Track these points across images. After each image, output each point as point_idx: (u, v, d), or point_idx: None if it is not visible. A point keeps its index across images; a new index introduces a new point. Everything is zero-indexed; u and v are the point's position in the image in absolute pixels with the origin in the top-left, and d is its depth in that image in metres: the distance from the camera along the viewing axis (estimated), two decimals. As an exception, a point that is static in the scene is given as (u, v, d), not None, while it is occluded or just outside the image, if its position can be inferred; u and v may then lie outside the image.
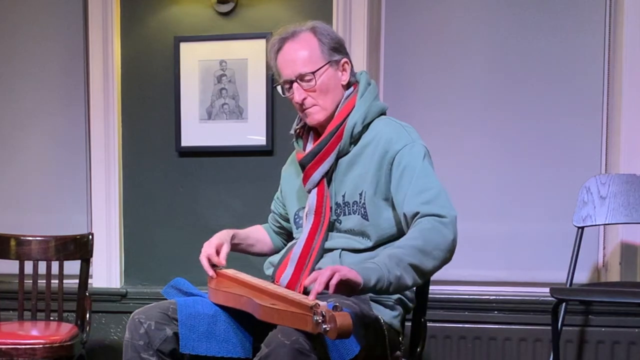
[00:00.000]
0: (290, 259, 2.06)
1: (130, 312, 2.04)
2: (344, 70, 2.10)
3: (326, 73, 2.06)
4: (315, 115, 2.09)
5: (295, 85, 2.07)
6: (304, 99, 2.07)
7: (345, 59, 2.10)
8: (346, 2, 3.03)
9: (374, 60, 3.13)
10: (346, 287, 1.71)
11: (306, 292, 1.86)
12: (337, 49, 2.09)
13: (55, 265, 3.06)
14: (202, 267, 2.12)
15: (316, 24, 2.10)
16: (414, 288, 2.18)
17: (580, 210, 2.78)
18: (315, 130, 2.16)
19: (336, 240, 2.07)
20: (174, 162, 3.26)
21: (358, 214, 2.05)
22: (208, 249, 2.13)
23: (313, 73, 2.04)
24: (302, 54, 2.05)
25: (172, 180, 3.26)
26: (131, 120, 3.29)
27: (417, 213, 1.91)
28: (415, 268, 1.82)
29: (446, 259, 1.89)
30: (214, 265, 2.13)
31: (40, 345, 2.72)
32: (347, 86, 2.12)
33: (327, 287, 1.68)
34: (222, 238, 2.17)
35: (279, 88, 2.14)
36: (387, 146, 2.01)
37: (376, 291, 1.77)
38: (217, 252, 2.14)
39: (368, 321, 1.95)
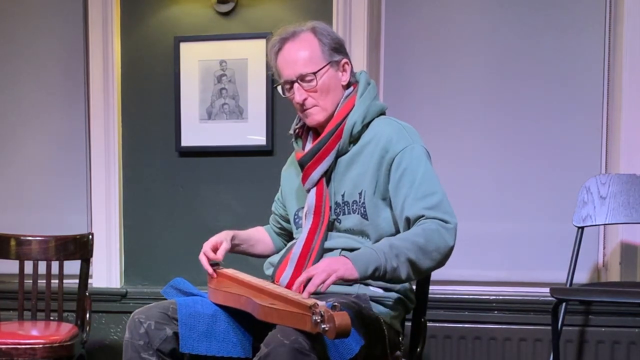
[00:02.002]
0: (290, 259, 2.06)
1: (130, 312, 2.04)
2: (344, 70, 2.10)
3: (327, 74, 2.06)
4: (316, 116, 2.09)
5: (296, 85, 2.07)
6: (305, 99, 2.07)
7: (345, 60, 2.10)
8: (346, 2, 3.03)
9: (374, 60, 3.13)
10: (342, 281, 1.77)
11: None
12: (338, 49, 2.09)
13: (55, 265, 3.06)
14: (202, 266, 2.12)
15: (316, 24, 2.10)
16: (414, 288, 2.19)
17: (580, 210, 2.78)
18: (314, 130, 2.15)
19: (336, 240, 2.07)
20: (174, 162, 3.26)
21: (357, 214, 2.05)
22: (206, 247, 2.13)
23: (314, 73, 2.04)
24: (302, 54, 2.05)
25: (172, 180, 3.27)
26: (131, 120, 3.29)
27: (422, 216, 1.92)
28: (412, 264, 1.85)
29: (441, 263, 1.91)
30: (214, 265, 2.13)
31: (40, 345, 2.72)
32: (347, 86, 2.12)
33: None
34: (221, 237, 2.17)
35: (279, 88, 2.14)
36: (387, 146, 2.01)
37: (371, 278, 1.82)
38: (216, 250, 2.14)
39: (368, 321, 1.95)
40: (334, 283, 1.78)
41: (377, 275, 1.81)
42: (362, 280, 1.82)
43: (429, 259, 1.86)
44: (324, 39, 2.07)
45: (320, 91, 2.06)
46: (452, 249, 1.91)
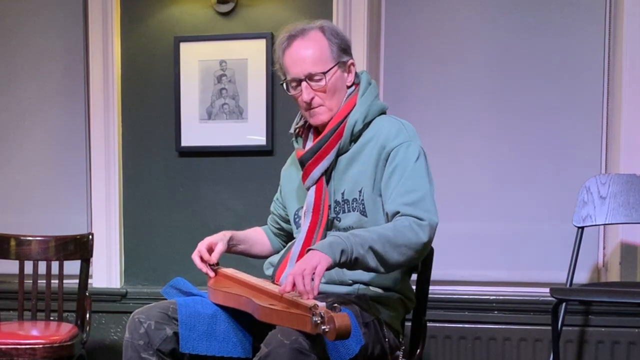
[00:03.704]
0: (290, 259, 2.06)
1: (130, 312, 2.04)
2: (349, 71, 2.11)
3: (335, 74, 2.06)
4: (321, 116, 2.09)
5: (304, 84, 2.05)
6: (312, 98, 2.06)
7: (351, 60, 2.11)
8: (346, 2, 3.03)
9: (374, 60, 3.13)
10: None
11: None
12: (345, 50, 2.09)
13: (55, 265, 3.06)
14: (196, 265, 2.12)
15: (324, 23, 2.10)
16: (414, 288, 2.19)
17: (580, 210, 2.78)
18: (315, 129, 2.15)
19: (335, 238, 2.06)
20: (174, 162, 3.26)
21: (357, 211, 2.05)
22: (200, 247, 2.13)
23: (324, 73, 2.04)
24: (312, 53, 2.04)
25: (172, 180, 3.26)
26: (131, 120, 3.29)
27: (398, 212, 1.93)
28: (376, 254, 1.84)
29: (413, 259, 1.91)
30: (214, 265, 2.13)
31: (40, 345, 2.72)
32: (349, 87, 2.12)
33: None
34: (217, 237, 2.17)
35: (284, 85, 2.13)
36: (385, 142, 2.02)
37: (339, 265, 1.82)
38: (211, 251, 2.14)
39: (368, 321, 1.95)
40: (329, 282, 1.78)
41: (346, 260, 1.81)
42: (337, 265, 1.81)
43: (398, 252, 1.86)
44: (333, 39, 2.06)
45: (328, 91, 2.06)
46: (426, 245, 1.90)
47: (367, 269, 1.88)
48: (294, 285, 1.73)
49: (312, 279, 1.73)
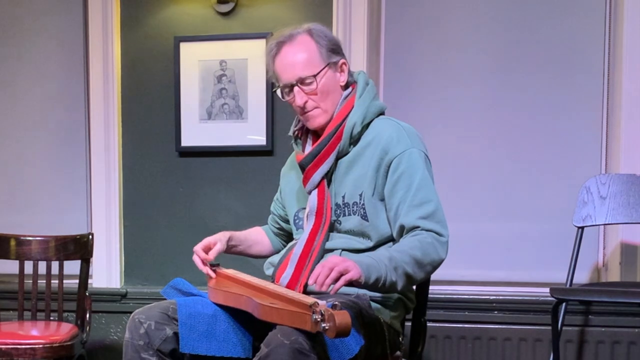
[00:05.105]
0: (291, 259, 2.06)
1: (130, 312, 2.04)
2: (342, 71, 2.10)
3: (326, 75, 2.06)
4: (317, 119, 2.09)
5: (296, 89, 2.06)
6: (305, 102, 2.06)
7: (343, 60, 2.10)
8: (346, 2, 3.03)
9: (374, 60, 3.13)
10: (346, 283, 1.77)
11: (306, 291, 1.86)
12: (335, 50, 2.08)
13: (55, 265, 3.06)
14: (196, 266, 2.13)
15: (312, 26, 2.09)
16: (414, 288, 2.19)
17: (580, 210, 2.78)
18: (314, 131, 2.15)
19: (336, 240, 2.07)
20: (174, 162, 3.26)
21: (358, 215, 2.05)
22: (197, 247, 2.13)
23: (314, 76, 2.04)
24: (301, 57, 2.05)
25: (172, 180, 3.26)
26: (131, 120, 3.29)
27: (417, 227, 1.95)
28: (408, 277, 1.89)
29: (429, 274, 1.98)
30: (214, 265, 2.13)
31: (40, 345, 2.72)
32: (345, 87, 2.12)
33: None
34: (216, 238, 2.17)
35: (278, 92, 2.13)
36: (387, 148, 2.01)
37: (369, 287, 1.83)
38: (208, 251, 2.14)
39: (368, 321, 1.95)
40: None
41: (375, 286, 1.83)
42: (363, 286, 1.82)
43: (423, 271, 1.91)
44: (321, 41, 2.06)
45: (320, 93, 2.05)
46: (442, 262, 1.96)
47: (394, 292, 1.92)
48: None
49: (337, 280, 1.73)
